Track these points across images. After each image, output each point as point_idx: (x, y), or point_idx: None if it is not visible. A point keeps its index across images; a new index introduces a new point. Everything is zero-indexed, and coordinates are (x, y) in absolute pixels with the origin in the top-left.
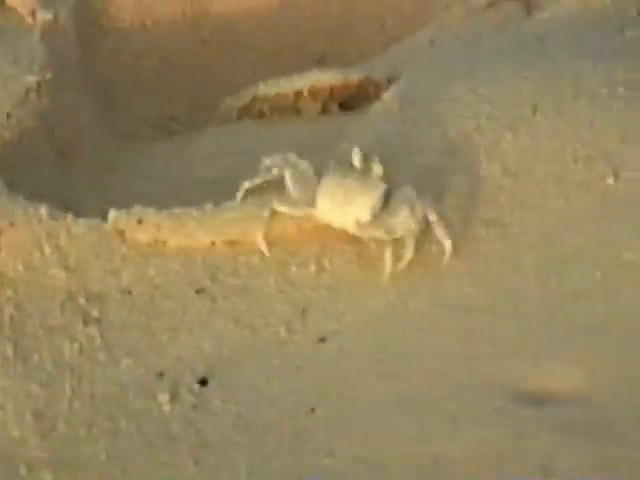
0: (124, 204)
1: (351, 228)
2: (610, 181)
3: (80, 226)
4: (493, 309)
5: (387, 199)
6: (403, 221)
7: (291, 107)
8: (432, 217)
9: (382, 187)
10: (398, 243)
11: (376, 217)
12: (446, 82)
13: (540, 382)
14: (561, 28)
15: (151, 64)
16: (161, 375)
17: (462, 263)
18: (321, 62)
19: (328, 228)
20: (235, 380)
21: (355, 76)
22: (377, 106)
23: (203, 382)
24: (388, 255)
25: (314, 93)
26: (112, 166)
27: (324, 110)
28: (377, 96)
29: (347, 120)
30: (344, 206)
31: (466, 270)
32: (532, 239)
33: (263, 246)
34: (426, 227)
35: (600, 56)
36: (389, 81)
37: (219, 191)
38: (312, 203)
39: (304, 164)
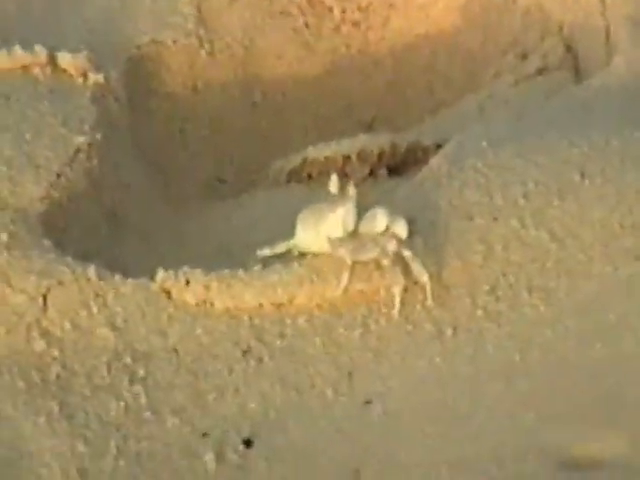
0: (172, 265)
1: (326, 247)
2: None
3: (128, 286)
4: (536, 375)
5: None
6: (377, 239)
7: (339, 171)
8: (406, 252)
9: (350, 201)
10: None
11: (350, 234)
12: (494, 148)
13: (583, 449)
14: (610, 96)
15: (201, 127)
16: (206, 435)
17: (506, 328)
18: (370, 127)
19: (374, 292)
20: (280, 441)
21: (403, 141)
22: (425, 171)
23: (248, 442)
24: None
25: (362, 157)
26: (161, 227)
27: (372, 174)
28: (425, 161)
29: (395, 185)
30: (317, 227)
31: (509, 335)
32: (577, 305)
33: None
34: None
35: None
36: (438, 146)
37: None
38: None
39: None
